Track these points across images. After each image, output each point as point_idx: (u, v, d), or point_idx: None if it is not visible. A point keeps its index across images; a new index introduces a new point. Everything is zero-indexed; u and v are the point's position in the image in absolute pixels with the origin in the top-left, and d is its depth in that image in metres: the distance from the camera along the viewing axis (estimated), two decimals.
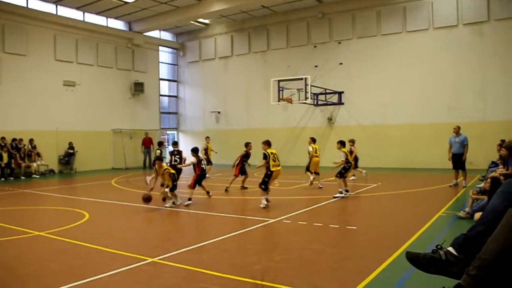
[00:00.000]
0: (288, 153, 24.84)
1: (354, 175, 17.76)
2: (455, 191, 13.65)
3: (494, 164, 14.44)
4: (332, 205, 11.65)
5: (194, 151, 12.92)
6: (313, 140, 16.32)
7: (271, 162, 11.48)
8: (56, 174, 23.04)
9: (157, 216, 10.85)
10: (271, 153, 11.60)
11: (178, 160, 14.59)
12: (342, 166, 12.89)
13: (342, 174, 12.90)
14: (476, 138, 19.61)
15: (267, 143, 11.83)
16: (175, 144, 15.89)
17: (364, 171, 17.98)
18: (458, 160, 14.50)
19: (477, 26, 21.08)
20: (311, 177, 15.59)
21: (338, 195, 12.68)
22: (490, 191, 7.92)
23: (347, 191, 13.08)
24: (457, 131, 14.70)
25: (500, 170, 10.42)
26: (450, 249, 3.23)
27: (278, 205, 11.47)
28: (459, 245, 3.21)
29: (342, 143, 13.25)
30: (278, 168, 11.64)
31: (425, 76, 22.09)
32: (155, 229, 9.54)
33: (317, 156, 15.92)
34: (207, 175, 14.31)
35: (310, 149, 15.98)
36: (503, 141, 14.24)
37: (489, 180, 8.89)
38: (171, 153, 14.96)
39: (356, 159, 17.50)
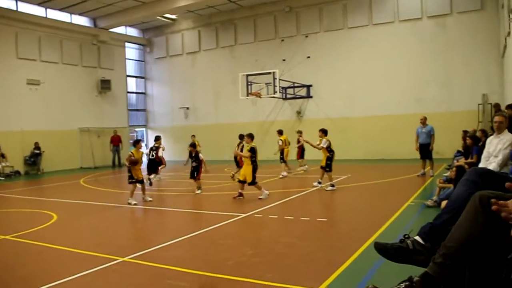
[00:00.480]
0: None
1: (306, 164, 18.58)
2: (423, 181, 13.93)
3: (459, 153, 14.77)
4: (302, 198, 11.73)
5: (193, 146, 14.05)
6: (280, 132, 16.99)
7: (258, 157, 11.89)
8: (22, 176, 22.48)
9: (127, 215, 10.73)
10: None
11: (154, 155, 15.06)
12: (327, 156, 13.01)
13: (330, 166, 12.97)
14: (442, 128, 20.02)
15: (251, 137, 12.11)
16: (157, 139, 16.17)
17: (306, 166, 18.44)
18: (425, 150, 14.83)
19: (440, 19, 21.51)
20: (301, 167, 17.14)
21: (330, 188, 12.71)
22: (456, 180, 8.10)
23: (319, 182, 13.23)
24: (423, 121, 15.03)
25: (463, 159, 10.68)
26: (417, 238, 3.28)
27: (249, 199, 11.48)
28: (425, 234, 3.26)
29: (324, 131, 13.27)
30: None
31: (392, 68, 22.43)
32: (125, 228, 9.43)
33: (286, 147, 17.26)
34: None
35: (280, 143, 16.70)
36: (465, 131, 14.62)
37: (454, 168, 9.10)
38: (151, 148, 15.39)
39: (303, 150, 18.52)
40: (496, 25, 19.79)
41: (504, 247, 2.73)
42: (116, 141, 26.33)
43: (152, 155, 15.67)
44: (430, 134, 14.82)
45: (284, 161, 17.29)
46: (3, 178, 20.71)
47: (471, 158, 9.98)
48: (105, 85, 27.59)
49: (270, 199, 11.51)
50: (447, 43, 21.27)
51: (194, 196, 12.86)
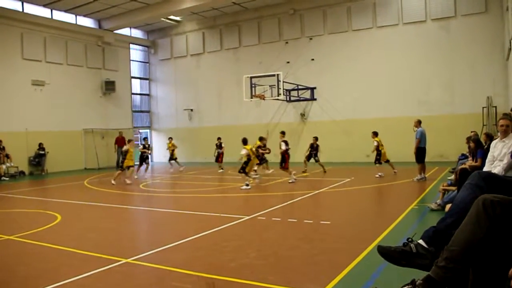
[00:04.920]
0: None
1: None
2: (426, 184, 13.88)
3: (463, 156, 14.72)
4: (306, 201, 11.72)
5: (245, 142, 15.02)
6: (375, 134, 17.10)
7: None
8: (26, 176, 22.57)
9: (130, 216, 10.76)
10: None
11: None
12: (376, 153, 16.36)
13: (378, 160, 16.34)
14: (446, 131, 20.07)
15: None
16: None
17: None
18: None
19: (444, 22, 21.49)
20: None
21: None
22: (459, 183, 8.08)
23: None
24: (415, 125, 14.89)
25: (469, 162, 10.65)
26: (421, 241, 3.28)
27: (253, 201, 11.49)
28: (429, 238, 3.26)
29: (375, 133, 16.69)
30: None
31: (396, 70, 22.42)
32: (128, 229, 9.45)
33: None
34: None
35: (376, 143, 16.86)
36: (468, 138, 14.54)
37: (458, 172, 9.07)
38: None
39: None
40: (501, 28, 19.76)
41: (508, 251, 2.73)
42: (121, 142, 26.30)
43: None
44: (416, 138, 14.67)
45: (380, 163, 16.73)
46: (7, 179, 20.79)
47: (475, 161, 9.96)
48: (109, 86, 27.68)
49: (274, 201, 11.51)
50: (451, 45, 21.24)
51: (197, 198, 12.88)
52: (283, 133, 16.83)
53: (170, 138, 22.15)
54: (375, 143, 16.69)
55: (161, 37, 30.80)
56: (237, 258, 6.27)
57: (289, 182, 15.08)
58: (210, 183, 15.45)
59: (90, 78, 27.00)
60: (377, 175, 16.03)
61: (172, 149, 21.68)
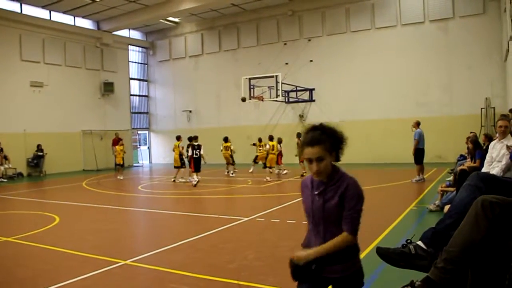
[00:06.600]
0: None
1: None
2: (425, 185, 13.88)
3: (462, 157, 14.72)
4: None
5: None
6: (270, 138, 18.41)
7: None
8: (24, 178, 22.51)
9: (129, 218, 10.73)
10: None
11: (198, 154, 16.16)
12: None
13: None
14: (444, 132, 20.08)
15: None
16: (195, 138, 16.93)
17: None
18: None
19: (442, 23, 21.51)
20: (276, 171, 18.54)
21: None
22: (458, 184, 8.07)
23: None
24: (414, 126, 14.89)
25: (468, 163, 10.65)
26: (420, 243, 3.28)
27: (252, 203, 11.47)
28: (428, 239, 3.26)
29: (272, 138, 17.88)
30: None
31: (394, 71, 22.42)
32: (127, 231, 9.42)
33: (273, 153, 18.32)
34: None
35: (267, 146, 17.98)
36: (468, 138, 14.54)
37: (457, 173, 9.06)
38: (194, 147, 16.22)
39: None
40: (499, 29, 19.78)
41: (507, 252, 2.73)
42: (117, 143, 26.17)
43: (196, 154, 16.08)
44: (414, 139, 14.68)
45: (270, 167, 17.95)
46: (5, 180, 20.71)
47: (473, 162, 9.96)
48: (108, 88, 27.66)
49: (272, 202, 11.49)
50: (450, 47, 21.27)
51: (196, 199, 12.86)
52: (187, 138, 17.14)
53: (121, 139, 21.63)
54: (267, 146, 17.68)
55: (159, 38, 30.80)
56: (236, 260, 6.26)
57: (190, 184, 15.59)
58: (208, 184, 15.44)
59: (89, 80, 26.98)
60: (268, 179, 16.68)
61: (123, 154, 20.79)
